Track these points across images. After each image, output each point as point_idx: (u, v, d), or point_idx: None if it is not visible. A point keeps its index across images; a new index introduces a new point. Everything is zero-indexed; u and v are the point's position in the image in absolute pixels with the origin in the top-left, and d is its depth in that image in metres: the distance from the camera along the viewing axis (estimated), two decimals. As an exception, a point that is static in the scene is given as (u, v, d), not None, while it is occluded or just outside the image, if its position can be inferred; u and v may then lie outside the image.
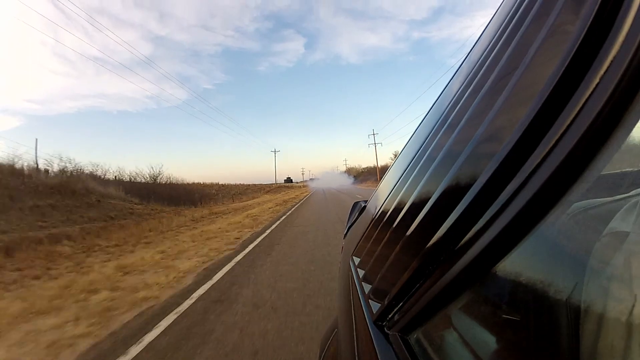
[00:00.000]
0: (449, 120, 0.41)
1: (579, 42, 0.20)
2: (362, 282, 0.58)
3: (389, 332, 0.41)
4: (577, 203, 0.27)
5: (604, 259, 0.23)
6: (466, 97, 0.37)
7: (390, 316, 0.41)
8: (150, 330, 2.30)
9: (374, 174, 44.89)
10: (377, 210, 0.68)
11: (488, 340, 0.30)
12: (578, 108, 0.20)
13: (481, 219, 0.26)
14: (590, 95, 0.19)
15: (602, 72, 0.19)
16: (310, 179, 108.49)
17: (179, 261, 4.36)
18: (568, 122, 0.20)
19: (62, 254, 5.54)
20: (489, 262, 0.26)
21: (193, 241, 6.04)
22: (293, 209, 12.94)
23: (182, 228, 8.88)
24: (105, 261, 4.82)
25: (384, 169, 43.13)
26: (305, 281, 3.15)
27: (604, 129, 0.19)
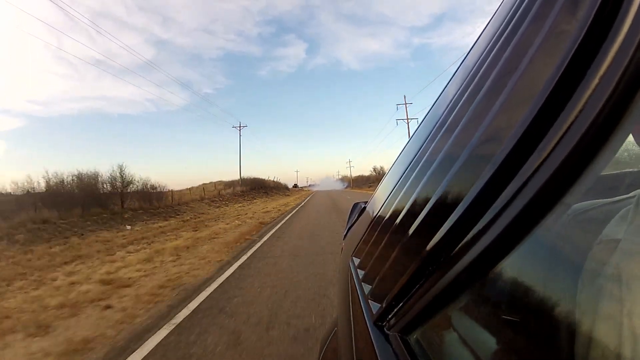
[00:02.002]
0: (447, 123, 0.41)
1: (578, 43, 0.20)
2: (362, 283, 0.58)
3: (388, 332, 0.41)
4: (576, 204, 0.27)
5: (601, 261, 0.23)
6: (464, 100, 0.37)
7: (390, 317, 0.41)
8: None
9: (360, 182, 70.42)
10: (376, 212, 0.68)
11: (487, 341, 0.30)
12: (577, 110, 0.20)
13: (480, 221, 0.26)
14: (589, 96, 0.19)
15: (601, 73, 0.19)
16: (311, 185, 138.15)
17: (300, 195, 39.52)
18: (567, 124, 0.20)
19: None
20: (488, 263, 0.27)
21: (303, 195, 40.64)
22: (313, 193, 43.95)
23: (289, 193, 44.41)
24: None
25: (365, 179, 67.25)
26: (324, 196, 30.76)
27: (603, 130, 0.19)
